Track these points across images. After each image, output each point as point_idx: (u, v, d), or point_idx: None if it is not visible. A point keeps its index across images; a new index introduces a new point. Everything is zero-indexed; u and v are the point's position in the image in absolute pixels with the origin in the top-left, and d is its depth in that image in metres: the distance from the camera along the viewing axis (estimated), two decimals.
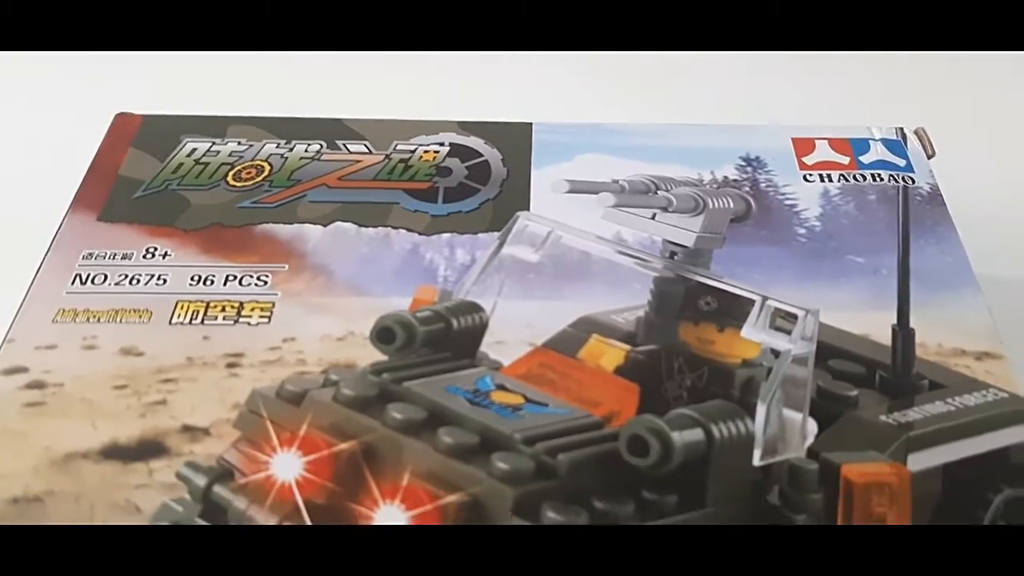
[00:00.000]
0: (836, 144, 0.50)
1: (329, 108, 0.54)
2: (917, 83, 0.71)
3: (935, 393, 0.40)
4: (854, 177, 0.48)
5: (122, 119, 0.52)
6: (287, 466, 0.37)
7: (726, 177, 0.48)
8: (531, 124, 0.52)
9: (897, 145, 0.50)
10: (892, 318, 0.42)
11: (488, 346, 0.42)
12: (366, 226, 0.46)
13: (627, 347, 0.42)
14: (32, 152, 0.64)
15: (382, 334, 0.41)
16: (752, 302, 0.41)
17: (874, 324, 0.42)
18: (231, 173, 0.49)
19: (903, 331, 0.42)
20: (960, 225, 0.48)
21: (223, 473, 0.37)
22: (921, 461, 0.37)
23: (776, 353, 0.40)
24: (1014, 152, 0.66)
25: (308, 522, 0.35)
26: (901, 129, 0.51)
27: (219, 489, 0.36)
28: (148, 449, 0.38)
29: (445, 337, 0.42)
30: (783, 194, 0.48)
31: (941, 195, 0.47)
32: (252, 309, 0.43)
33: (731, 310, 0.42)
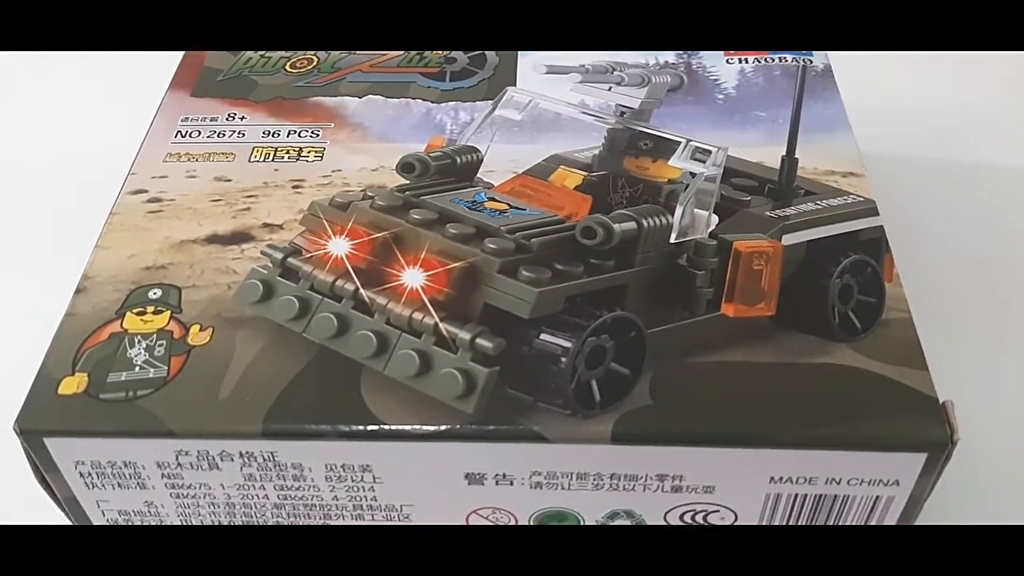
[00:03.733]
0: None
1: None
2: None
3: (808, 198, 0.54)
4: (765, 60, 0.62)
5: (191, 55, 0.66)
6: (340, 246, 0.51)
7: (667, 61, 0.62)
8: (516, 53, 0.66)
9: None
10: (783, 150, 0.56)
11: (483, 174, 0.56)
12: (391, 97, 0.61)
13: (584, 173, 0.56)
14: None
15: (405, 166, 0.56)
16: (678, 142, 0.55)
17: (770, 156, 0.56)
18: (288, 63, 0.63)
19: (789, 158, 0.55)
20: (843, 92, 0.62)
21: (295, 250, 0.51)
22: (793, 239, 0.51)
23: (693, 175, 0.54)
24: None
25: (356, 280, 0.50)
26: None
27: (292, 260, 0.51)
28: (240, 237, 0.52)
29: (451, 169, 0.56)
30: (708, 73, 0.62)
31: (832, 71, 0.61)
32: (308, 152, 0.57)
33: (662, 148, 0.56)
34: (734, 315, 0.48)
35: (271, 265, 0.50)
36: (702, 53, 0.63)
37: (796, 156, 0.55)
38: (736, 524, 0.48)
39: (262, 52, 0.64)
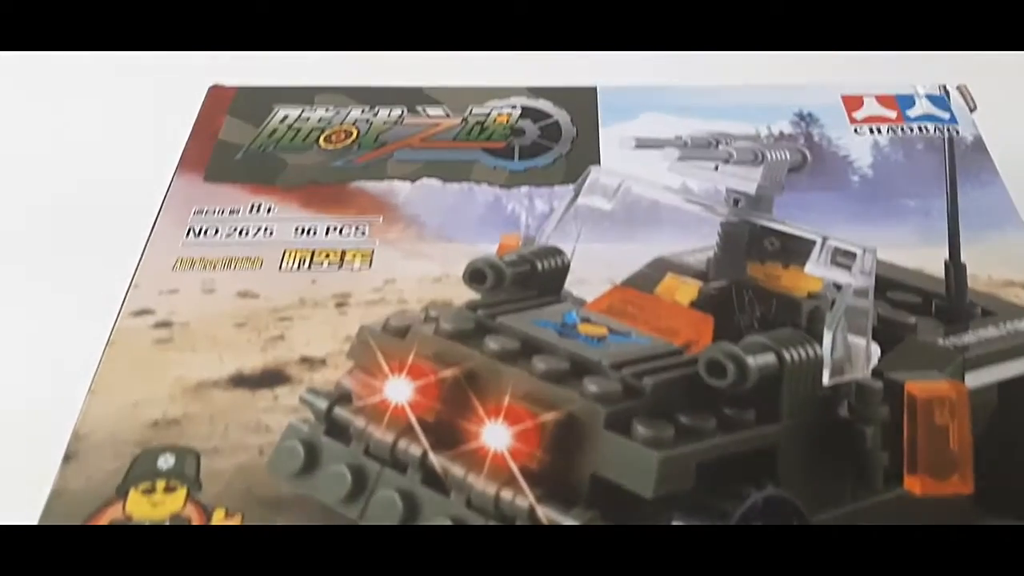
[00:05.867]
0: (883, 100, 0.53)
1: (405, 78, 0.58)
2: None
3: (987, 319, 0.43)
4: (901, 129, 0.52)
5: (216, 91, 0.56)
6: (399, 389, 0.40)
7: (781, 132, 0.52)
8: (595, 88, 0.56)
9: (941, 100, 0.54)
10: (943, 254, 0.45)
11: (571, 285, 0.45)
12: (450, 181, 0.50)
13: (700, 283, 0.45)
14: (130, 125, 0.68)
15: (474, 275, 0.45)
16: (813, 242, 0.45)
17: (927, 260, 0.45)
18: (322, 137, 0.53)
19: (955, 264, 0.45)
20: (1003, 172, 0.51)
21: (342, 396, 0.41)
22: (977, 379, 0.41)
23: (838, 286, 0.44)
24: None
25: (423, 440, 0.39)
26: (944, 86, 0.55)
27: (340, 411, 0.40)
28: (271, 377, 0.41)
29: (531, 277, 0.45)
30: (836, 146, 0.51)
31: (984, 144, 0.51)
32: (354, 256, 0.46)
33: (794, 249, 0.45)
34: (921, 493, 0.38)
35: (313, 418, 0.40)
36: (824, 120, 0.53)
37: (963, 261, 0.45)
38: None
39: (290, 122, 0.53)
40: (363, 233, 0.47)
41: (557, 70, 0.60)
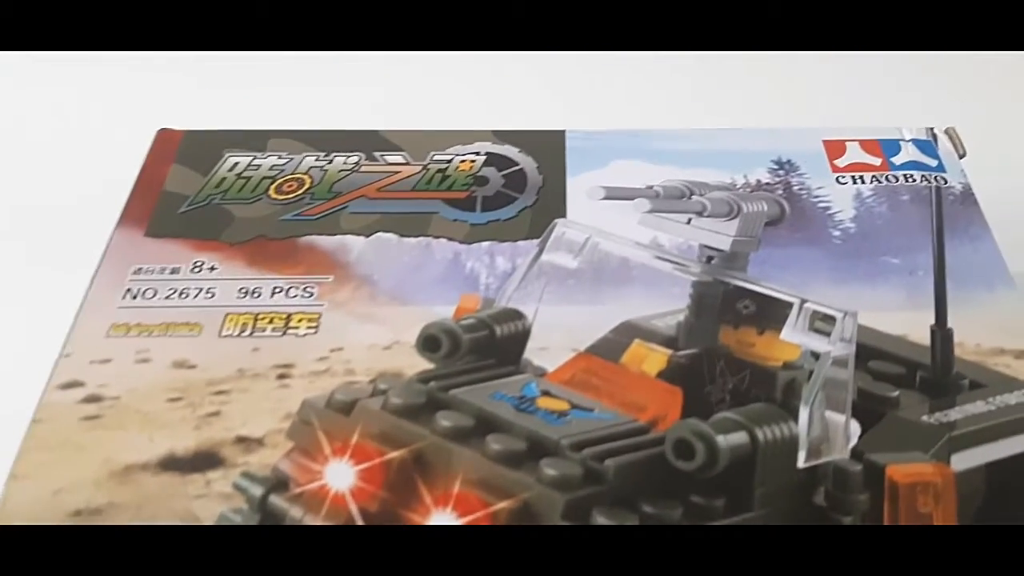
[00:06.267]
0: (867, 145, 0.51)
1: (361, 109, 0.55)
2: (944, 82, 0.71)
3: (976, 392, 0.40)
4: (886, 178, 0.49)
5: (164, 134, 0.53)
6: (340, 475, 0.37)
7: (759, 181, 0.49)
8: (564, 132, 0.53)
9: (928, 145, 0.51)
10: (929, 318, 0.43)
11: (532, 352, 0.42)
12: (407, 236, 0.47)
13: (669, 351, 0.42)
14: (76, 164, 0.65)
15: (428, 342, 0.42)
16: (790, 305, 0.42)
17: (911, 324, 0.43)
18: (273, 186, 0.50)
19: (941, 331, 0.42)
20: (993, 223, 0.48)
21: (279, 483, 0.38)
22: (964, 460, 0.38)
23: (816, 355, 0.41)
24: None
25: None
26: (931, 129, 0.52)
27: (275, 499, 0.37)
28: (204, 460, 0.38)
29: (489, 344, 0.43)
30: (816, 196, 0.48)
31: (973, 194, 0.48)
32: (300, 320, 0.44)
33: (770, 313, 0.43)
34: None
35: (247, 507, 0.37)
36: (804, 168, 0.50)
37: (950, 327, 0.42)
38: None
39: (239, 170, 0.50)
40: (311, 294, 0.44)
41: (526, 108, 0.58)
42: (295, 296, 0.44)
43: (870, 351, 0.42)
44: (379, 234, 0.47)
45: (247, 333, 0.43)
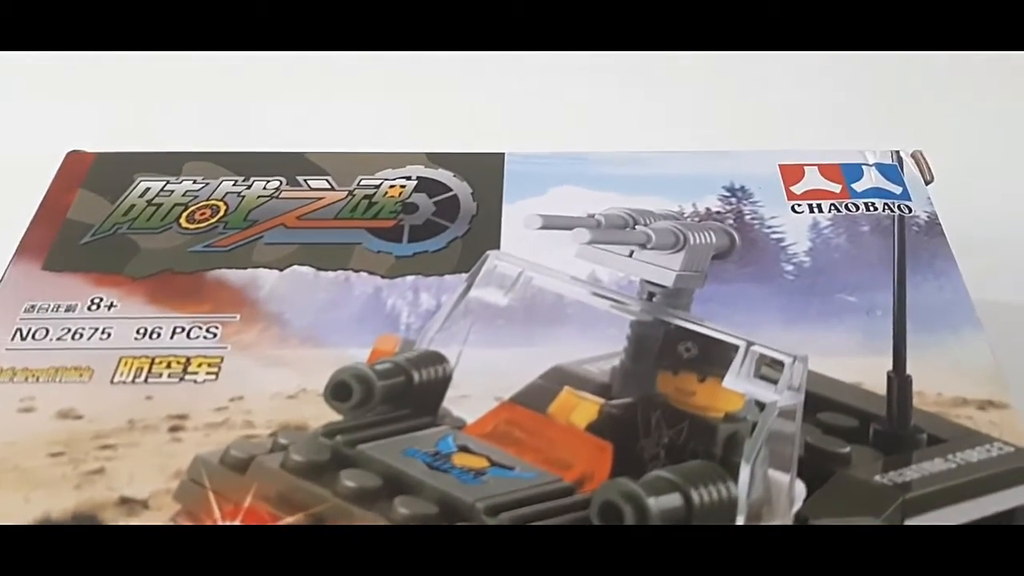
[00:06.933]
0: (827, 171, 0.47)
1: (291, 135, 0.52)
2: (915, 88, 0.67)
3: (934, 449, 0.37)
4: (846, 207, 0.45)
5: (73, 157, 0.49)
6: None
7: (708, 209, 0.45)
8: (503, 155, 0.49)
9: (892, 171, 0.47)
10: (887, 363, 0.39)
11: (452, 401, 0.39)
12: (325, 269, 0.43)
13: (601, 400, 0.39)
14: None
15: (337, 390, 0.39)
16: (735, 348, 0.38)
17: (868, 370, 0.39)
18: (185, 214, 0.46)
19: (899, 378, 0.38)
20: (960, 250, 0.45)
21: None
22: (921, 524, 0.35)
23: (761, 405, 0.37)
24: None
25: None
26: (897, 153, 0.48)
27: None
28: (83, 524, 0.35)
29: (405, 392, 0.39)
30: (769, 227, 0.45)
31: (939, 224, 0.44)
32: (199, 365, 0.40)
33: (713, 357, 0.39)
34: None
35: None
36: (758, 196, 0.46)
37: (909, 374, 0.39)
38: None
39: (150, 197, 0.46)
40: (214, 335, 0.41)
41: (464, 130, 0.55)
42: (197, 337, 0.41)
43: (820, 401, 0.38)
44: (294, 267, 0.43)
45: (141, 379, 0.39)
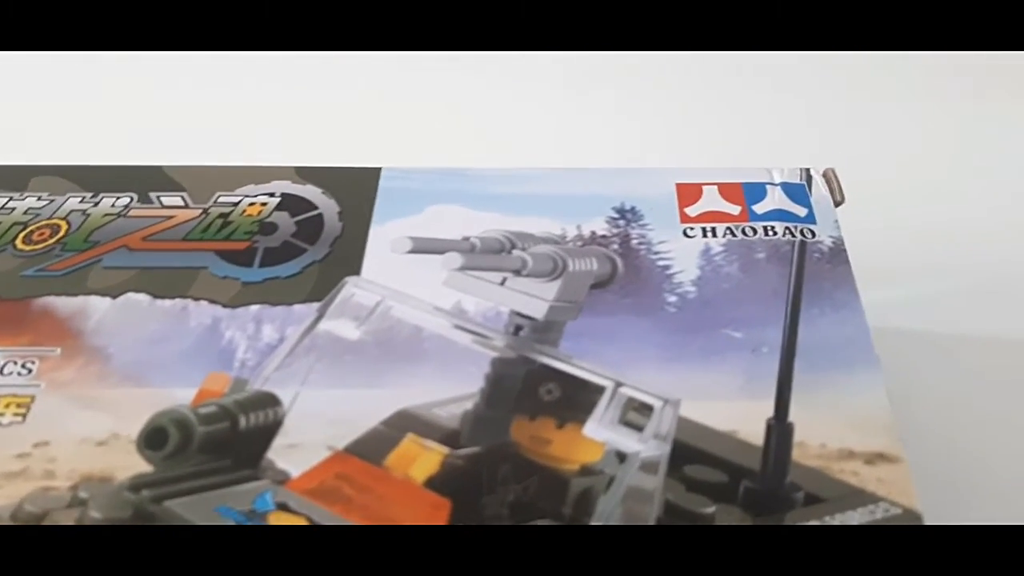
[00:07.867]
0: (727, 190, 0.43)
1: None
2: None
3: (811, 509, 0.32)
4: (743, 231, 0.41)
5: None
6: None
7: (594, 232, 0.41)
8: (380, 169, 0.45)
9: (799, 190, 0.43)
10: (769, 408, 0.35)
11: (278, 450, 0.35)
12: (162, 297, 0.39)
13: (445, 450, 0.35)
14: None
15: (152, 437, 0.35)
16: (602, 389, 0.35)
17: (746, 416, 0.35)
18: (22, 235, 0.42)
19: (779, 426, 0.34)
20: (870, 279, 0.41)
21: None
22: None
23: (622, 456, 0.34)
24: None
25: None
26: (807, 171, 0.44)
27: None
28: None
29: (228, 439, 0.35)
30: (657, 252, 0.40)
31: (845, 251, 0.40)
32: (7, 405, 0.35)
33: (576, 400, 0.35)
34: None
35: None
36: (649, 218, 0.42)
37: (790, 421, 0.35)
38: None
39: None
40: (29, 371, 0.36)
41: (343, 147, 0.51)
42: (10, 374, 0.36)
43: (689, 452, 0.34)
44: (129, 294, 0.39)
45: None
